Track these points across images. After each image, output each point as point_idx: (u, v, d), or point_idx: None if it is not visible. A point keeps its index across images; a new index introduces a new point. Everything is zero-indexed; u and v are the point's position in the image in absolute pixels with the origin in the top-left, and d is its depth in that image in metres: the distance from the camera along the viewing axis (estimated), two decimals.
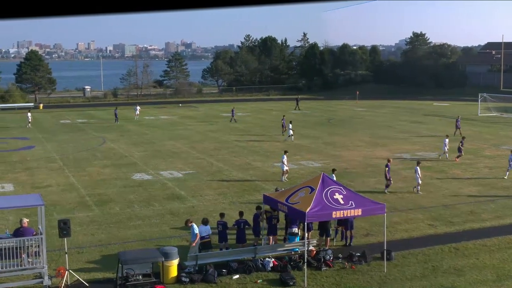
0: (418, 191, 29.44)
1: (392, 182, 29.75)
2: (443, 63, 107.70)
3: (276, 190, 23.50)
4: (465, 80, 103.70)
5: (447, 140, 39.04)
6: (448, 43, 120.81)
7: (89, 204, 27.78)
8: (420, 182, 29.47)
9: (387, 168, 29.56)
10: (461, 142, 38.65)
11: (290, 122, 48.99)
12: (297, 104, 75.15)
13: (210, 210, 26.25)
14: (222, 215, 21.30)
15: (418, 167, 29.71)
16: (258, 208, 21.56)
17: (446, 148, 38.78)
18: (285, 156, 32.97)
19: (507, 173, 33.28)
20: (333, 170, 28.33)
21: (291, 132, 47.63)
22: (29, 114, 59.64)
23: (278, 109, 76.62)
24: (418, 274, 18.88)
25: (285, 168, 32.82)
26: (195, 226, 19.82)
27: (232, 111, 63.90)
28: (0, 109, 78.51)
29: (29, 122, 58.00)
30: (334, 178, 26.94)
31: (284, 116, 53.17)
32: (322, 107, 76.37)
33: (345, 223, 21.59)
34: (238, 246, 20.54)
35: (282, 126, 51.66)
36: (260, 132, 53.75)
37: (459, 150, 38.10)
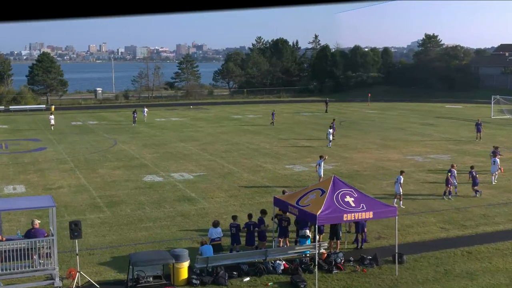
0: (400, 204, 26.80)
1: (453, 186, 28.78)
2: (456, 65, 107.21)
3: (284, 193, 23.46)
4: (477, 82, 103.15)
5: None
6: (461, 45, 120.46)
7: (100, 205, 27.87)
8: (401, 192, 27.18)
9: (449, 174, 28.79)
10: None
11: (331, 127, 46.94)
12: (327, 106, 74.89)
13: (221, 212, 26.25)
14: (234, 217, 21.30)
15: (401, 176, 27.30)
16: (263, 212, 21.41)
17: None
18: (322, 161, 31.92)
19: (493, 177, 32.68)
20: (401, 172, 27.81)
21: (330, 137, 45.53)
22: (51, 116, 59.18)
23: (289, 111, 76.61)
24: (430, 277, 18.77)
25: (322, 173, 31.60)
26: None
27: (273, 114, 62.48)
28: (12, 110, 79.05)
29: (52, 125, 57.62)
30: (402, 181, 27.08)
31: (334, 119, 51.30)
32: (333, 109, 76.18)
33: (359, 227, 21.53)
34: (248, 248, 20.53)
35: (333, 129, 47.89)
36: (271, 134, 53.72)
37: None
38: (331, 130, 45.76)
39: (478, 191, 29.44)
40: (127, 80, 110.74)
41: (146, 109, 66.74)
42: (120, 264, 19.47)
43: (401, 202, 27.26)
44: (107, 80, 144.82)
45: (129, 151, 44.28)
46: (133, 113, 63.33)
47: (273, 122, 61.25)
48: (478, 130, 49.00)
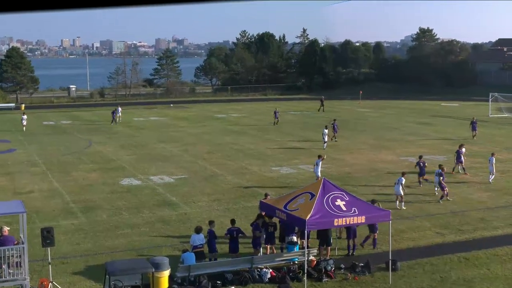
0: (402, 206, 27.69)
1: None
2: (452, 60, 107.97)
3: (266, 196, 23.49)
4: (475, 78, 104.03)
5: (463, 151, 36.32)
6: (457, 40, 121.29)
7: (74, 211, 27.73)
8: (402, 194, 27.84)
9: (441, 177, 29.07)
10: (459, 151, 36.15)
11: (326, 127, 46.58)
12: (322, 104, 75.00)
13: (203, 218, 26.20)
14: (211, 223, 21.23)
15: (403, 178, 28.15)
16: (260, 216, 21.40)
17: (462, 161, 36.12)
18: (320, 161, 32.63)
19: (492, 176, 33.42)
20: (403, 174, 28.74)
21: (326, 138, 45.36)
22: (24, 116, 58.34)
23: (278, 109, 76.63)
24: (425, 285, 18.90)
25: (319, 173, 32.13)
26: None
27: (275, 113, 61.85)
28: None
29: (24, 126, 57.06)
30: (403, 182, 27.81)
31: (335, 120, 50.86)
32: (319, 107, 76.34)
33: (350, 232, 21.62)
34: (231, 257, 20.52)
35: (334, 131, 48.76)
36: (257, 135, 53.78)
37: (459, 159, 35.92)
38: (326, 131, 45.72)
39: (426, 180, 31.83)
40: (103, 77, 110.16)
41: (120, 109, 65.94)
42: (96, 273, 19.39)
43: (403, 203, 27.72)
44: (82, 76, 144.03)
45: (105, 152, 44.10)
46: (112, 113, 62.91)
47: (276, 121, 60.76)
48: (474, 129, 50.07)
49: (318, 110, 73.64)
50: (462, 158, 35.85)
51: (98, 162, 40.09)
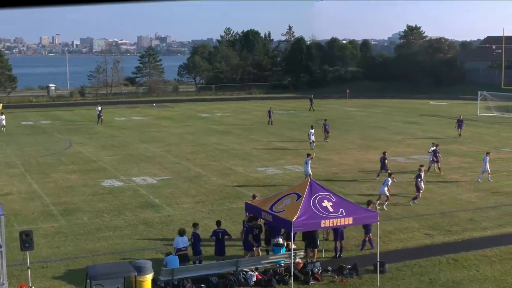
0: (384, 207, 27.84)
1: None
2: (440, 58, 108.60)
3: (254, 197, 23.48)
4: (463, 77, 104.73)
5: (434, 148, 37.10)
6: (445, 37, 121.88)
7: (54, 213, 27.58)
8: (388, 194, 28.16)
9: (419, 179, 29.20)
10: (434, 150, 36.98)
11: (312, 127, 46.50)
12: (311, 104, 75.05)
13: (187, 220, 26.18)
14: (195, 225, 21.19)
15: (389, 179, 28.67)
16: (251, 219, 21.31)
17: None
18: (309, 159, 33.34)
19: (481, 175, 33.97)
20: (390, 175, 29.38)
21: (312, 138, 45.23)
22: (2, 116, 57.70)
23: (262, 110, 76.76)
24: (414, 287, 19.00)
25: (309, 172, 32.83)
26: None
27: (269, 112, 61.41)
28: None
29: (3, 126, 56.48)
30: (389, 183, 28.29)
31: (326, 120, 50.61)
32: (308, 107, 76.50)
33: (338, 234, 21.67)
34: (217, 259, 20.51)
35: (325, 131, 48.68)
36: (242, 134, 53.77)
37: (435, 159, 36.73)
38: (312, 131, 45.62)
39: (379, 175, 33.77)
40: (83, 75, 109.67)
41: (99, 107, 65.40)
42: (77, 278, 19.28)
43: (385, 204, 27.84)
44: (61, 75, 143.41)
45: (86, 153, 43.90)
46: (99, 112, 62.38)
47: (270, 121, 60.47)
48: (460, 127, 50.78)
49: (309, 110, 73.78)
50: (439, 157, 36.52)
51: (79, 163, 39.89)
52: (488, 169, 33.91)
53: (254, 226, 21.12)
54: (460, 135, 50.33)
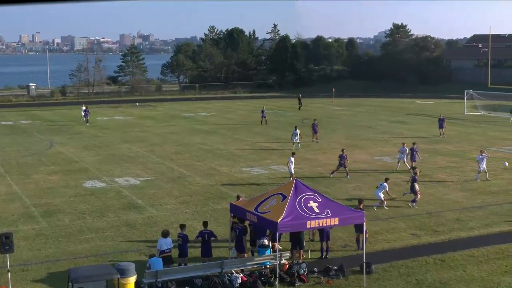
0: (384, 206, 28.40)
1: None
2: (426, 57, 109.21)
3: (238, 198, 23.47)
4: (449, 75, 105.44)
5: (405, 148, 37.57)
6: (432, 36, 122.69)
7: (34, 215, 27.41)
8: (382, 198, 28.34)
9: (412, 179, 29.44)
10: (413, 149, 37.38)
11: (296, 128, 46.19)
12: (300, 103, 75.06)
13: (171, 221, 26.15)
14: (182, 226, 21.16)
15: (386, 184, 28.68)
16: (242, 221, 21.21)
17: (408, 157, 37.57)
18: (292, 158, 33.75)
19: (479, 175, 34.34)
20: (386, 180, 29.10)
21: (298, 138, 45.07)
22: None
23: (247, 109, 76.79)
24: None
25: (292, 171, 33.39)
26: None
27: (262, 111, 61.20)
28: None
29: None
30: (386, 188, 28.27)
31: (315, 120, 50.31)
32: (295, 106, 76.66)
33: (323, 234, 21.70)
34: (203, 261, 20.49)
35: (314, 131, 48.54)
36: (226, 134, 53.74)
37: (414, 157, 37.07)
38: (298, 131, 45.39)
39: (333, 172, 35.00)
40: (64, 74, 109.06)
41: (84, 107, 65.12)
42: (58, 280, 19.20)
43: (384, 205, 28.25)
44: (42, 74, 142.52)
45: (67, 153, 43.66)
46: (84, 111, 61.84)
47: (263, 121, 60.17)
48: (441, 126, 51.29)
49: (299, 109, 73.90)
50: (416, 156, 36.92)
51: (60, 164, 39.67)
52: (485, 168, 34.28)
53: (239, 227, 21.10)
54: (442, 134, 50.79)
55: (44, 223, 26.15)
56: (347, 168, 35.06)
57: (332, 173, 35.18)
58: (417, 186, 29.23)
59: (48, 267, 20.87)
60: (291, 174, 33.10)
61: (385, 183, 28.66)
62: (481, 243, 23.35)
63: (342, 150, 36.00)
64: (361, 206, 22.54)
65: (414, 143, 37.91)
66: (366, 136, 52.00)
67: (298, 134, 45.17)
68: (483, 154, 34.74)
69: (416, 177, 29.59)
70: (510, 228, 25.57)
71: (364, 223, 20.34)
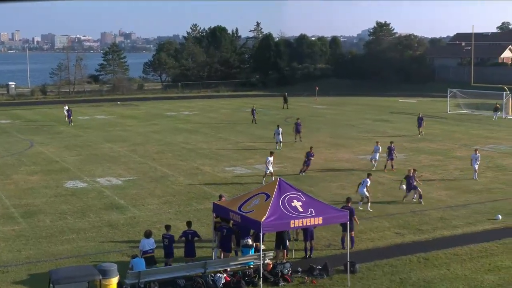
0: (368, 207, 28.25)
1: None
2: (410, 55, 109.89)
3: (220, 197, 23.42)
4: (433, 74, 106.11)
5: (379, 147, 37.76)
6: (415, 34, 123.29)
7: (14, 216, 27.22)
8: (368, 195, 28.17)
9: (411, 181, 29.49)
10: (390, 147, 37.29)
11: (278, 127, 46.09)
12: (286, 102, 74.99)
13: (153, 221, 26.09)
14: (167, 227, 21.10)
15: (368, 179, 28.37)
16: (227, 221, 21.00)
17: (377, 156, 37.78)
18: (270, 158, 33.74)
19: (476, 174, 34.59)
20: (368, 175, 28.86)
21: (280, 137, 44.84)
22: None
23: (230, 108, 76.77)
24: (384, 287, 19.19)
25: (269, 170, 33.42)
26: None
27: (253, 110, 61.18)
28: None
29: None
30: (369, 183, 28.06)
31: (298, 119, 49.95)
32: (278, 105, 76.76)
33: (307, 234, 21.73)
34: (187, 261, 20.45)
35: (297, 130, 47.93)
36: (209, 133, 53.68)
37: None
38: (280, 130, 45.23)
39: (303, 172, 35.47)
40: (45, 73, 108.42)
41: (66, 107, 64.71)
42: (39, 282, 19.07)
43: (369, 205, 28.09)
44: (21, 73, 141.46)
45: (48, 153, 43.39)
46: (67, 111, 61.10)
47: (254, 120, 60.05)
48: (420, 125, 51.54)
49: (283, 107, 73.95)
50: (393, 154, 36.89)
51: (40, 164, 39.41)
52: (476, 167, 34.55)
53: (223, 227, 21.05)
54: (420, 133, 50.99)
55: (24, 224, 25.97)
56: (308, 167, 35.94)
57: (301, 172, 35.90)
58: (413, 183, 29.27)
59: (29, 269, 20.73)
60: (266, 173, 33.42)
61: (368, 179, 28.35)
62: (465, 242, 23.53)
63: (311, 148, 36.90)
64: (349, 205, 22.56)
65: (391, 142, 37.98)
66: (350, 135, 52.16)
67: (281, 133, 45.14)
68: (477, 153, 34.91)
69: (411, 174, 29.61)
70: (493, 226, 25.80)
71: (346, 224, 20.43)
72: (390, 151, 36.96)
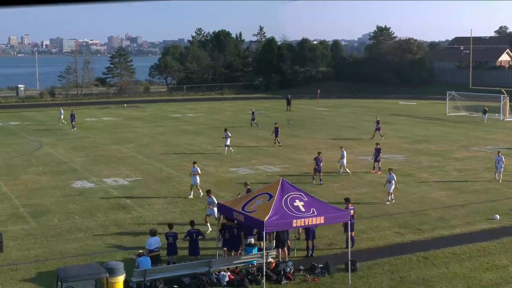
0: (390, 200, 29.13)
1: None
2: (409, 59, 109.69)
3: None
4: (432, 77, 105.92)
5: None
6: (414, 38, 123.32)
7: (24, 215, 27.24)
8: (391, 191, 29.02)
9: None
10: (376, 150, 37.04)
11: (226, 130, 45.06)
12: (289, 104, 75.01)
13: (159, 221, 26.09)
14: (170, 226, 21.10)
15: (393, 175, 29.17)
16: (232, 220, 20.93)
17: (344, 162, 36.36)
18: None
19: (496, 174, 34.45)
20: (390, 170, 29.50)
21: (228, 141, 43.73)
22: None
23: (234, 110, 76.76)
24: (384, 285, 19.16)
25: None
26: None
27: (253, 113, 60.81)
28: None
29: None
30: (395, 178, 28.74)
31: (276, 123, 48.82)
32: (281, 107, 76.76)
33: (309, 233, 21.71)
34: (191, 260, 20.44)
35: (276, 134, 46.97)
36: (213, 135, 53.66)
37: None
38: (228, 133, 43.65)
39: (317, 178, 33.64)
40: (53, 76, 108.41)
41: (62, 111, 64.00)
42: (47, 280, 19.08)
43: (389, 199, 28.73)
44: (31, 76, 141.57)
45: (56, 154, 43.42)
46: (71, 116, 60.17)
47: (253, 123, 59.38)
48: (377, 129, 50.39)
49: (286, 110, 73.95)
50: (379, 157, 36.76)
51: (49, 165, 39.44)
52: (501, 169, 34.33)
53: (227, 226, 21.07)
54: (373, 136, 49.66)
55: (33, 223, 25.99)
56: (321, 173, 33.66)
57: (314, 179, 33.97)
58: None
59: (37, 267, 20.74)
60: (192, 185, 30.80)
61: (393, 174, 29.15)
62: (463, 241, 23.49)
63: (318, 153, 34.55)
64: (349, 205, 22.53)
65: (377, 144, 37.73)
66: (350, 136, 52.12)
67: (229, 137, 43.81)
68: (500, 155, 34.78)
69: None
70: (491, 226, 25.76)
71: (353, 221, 20.42)
72: (377, 153, 36.66)
